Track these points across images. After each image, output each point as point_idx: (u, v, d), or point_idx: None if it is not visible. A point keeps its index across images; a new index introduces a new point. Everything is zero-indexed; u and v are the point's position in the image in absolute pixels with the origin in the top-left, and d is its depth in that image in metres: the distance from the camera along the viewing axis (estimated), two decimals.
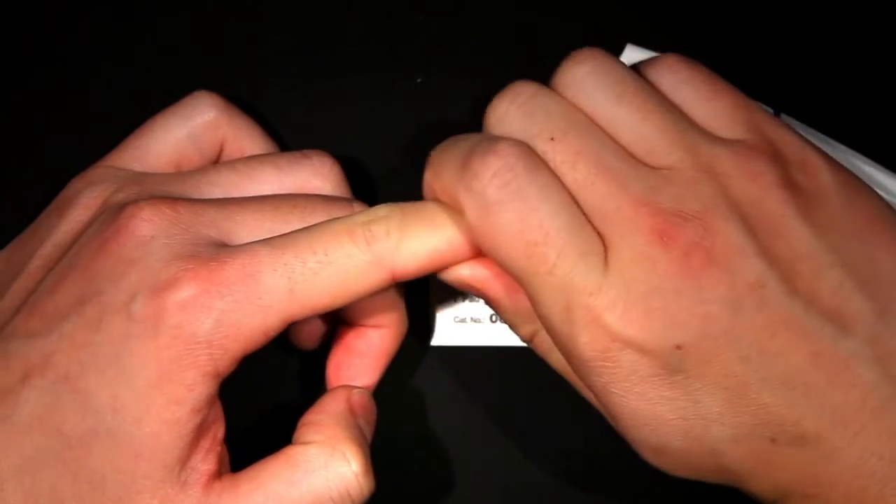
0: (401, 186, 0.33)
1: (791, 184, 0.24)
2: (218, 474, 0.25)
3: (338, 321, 0.30)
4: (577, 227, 0.24)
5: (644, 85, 0.25)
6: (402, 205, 0.26)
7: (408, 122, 0.34)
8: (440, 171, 0.25)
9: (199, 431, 0.24)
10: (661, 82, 0.26)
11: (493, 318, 0.33)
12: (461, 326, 0.33)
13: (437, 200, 0.26)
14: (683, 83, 0.26)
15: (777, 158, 0.24)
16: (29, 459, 0.24)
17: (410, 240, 0.25)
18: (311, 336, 0.31)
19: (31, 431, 0.24)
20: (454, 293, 0.33)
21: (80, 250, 0.25)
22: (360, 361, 0.29)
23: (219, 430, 0.25)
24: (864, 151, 0.32)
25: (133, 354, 0.24)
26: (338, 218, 0.26)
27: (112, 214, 0.26)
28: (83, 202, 0.28)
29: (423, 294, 0.33)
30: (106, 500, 0.24)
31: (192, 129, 0.30)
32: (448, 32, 0.34)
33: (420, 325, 0.33)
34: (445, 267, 0.26)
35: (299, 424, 0.26)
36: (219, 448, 0.25)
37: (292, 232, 0.25)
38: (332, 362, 0.30)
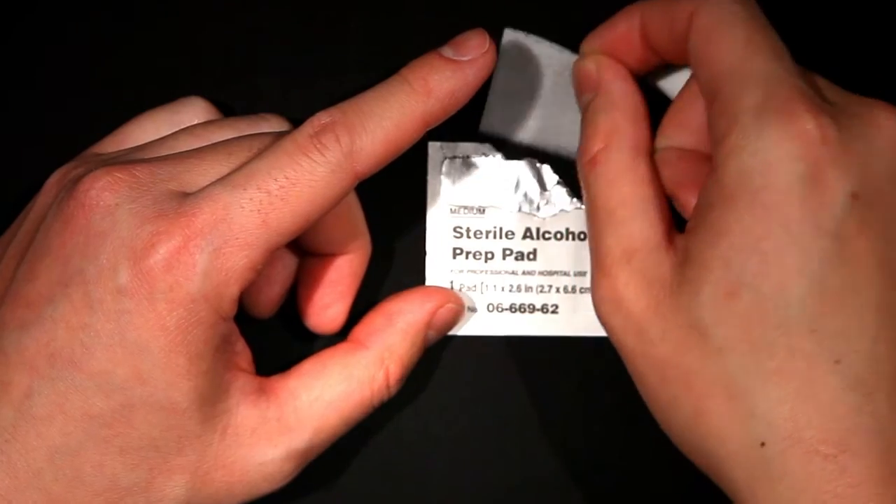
0: (401, 185, 0.33)
1: None
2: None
3: (303, 253, 0.30)
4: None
5: None
6: (340, 106, 0.26)
7: None
8: None
9: (223, 372, 0.26)
10: None
11: (490, 307, 0.33)
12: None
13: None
14: None
15: None
16: (60, 447, 0.24)
17: (362, 137, 0.25)
18: (268, 302, 0.31)
19: (53, 420, 0.24)
20: (448, 280, 0.33)
21: (48, 231, 0.25)
22: (332, 290, 0.30)
23: (242, 358, 0.27)
24: None
25: (136, 328, 0.24)
26: (282, 139, 0.26)
27: (69, 190, 0.25)
28: (47, 187, 0.28)
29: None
30: (161, 461, 0.25)
31: (180, 126, 0.29)
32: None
33: None
34: (403, 148, 0.26)
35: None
36: (241, 371, 0.27)
37: (246, 165, 0.25)
38: (303, 295, 0.30)
